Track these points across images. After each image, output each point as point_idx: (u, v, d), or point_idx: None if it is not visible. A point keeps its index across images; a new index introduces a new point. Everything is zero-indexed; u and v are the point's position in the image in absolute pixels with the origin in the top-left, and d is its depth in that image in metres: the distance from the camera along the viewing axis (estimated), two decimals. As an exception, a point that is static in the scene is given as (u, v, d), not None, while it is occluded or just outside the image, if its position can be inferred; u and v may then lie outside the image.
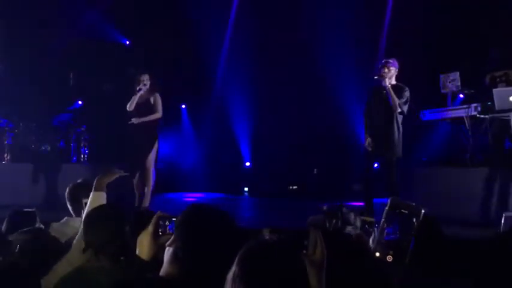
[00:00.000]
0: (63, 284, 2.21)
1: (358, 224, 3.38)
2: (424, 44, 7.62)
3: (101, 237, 2.29)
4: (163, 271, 1.77)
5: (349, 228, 3.53)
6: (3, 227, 2.85)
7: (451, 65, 6.61)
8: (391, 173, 5.60)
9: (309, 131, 8.57)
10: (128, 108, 6.21)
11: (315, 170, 8.31)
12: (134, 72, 6.64)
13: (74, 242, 2.62)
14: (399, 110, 5.61)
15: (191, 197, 7.97)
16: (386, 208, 1.91)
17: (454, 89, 6.29)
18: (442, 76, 6.45)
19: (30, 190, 6.60)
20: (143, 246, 1.91)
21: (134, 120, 6.19)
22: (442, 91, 6.43)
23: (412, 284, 1.94)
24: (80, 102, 8.92)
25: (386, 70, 5.69)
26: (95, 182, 2.94)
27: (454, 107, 6.20)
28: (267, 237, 1.73)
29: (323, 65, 8.04)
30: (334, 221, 4.51)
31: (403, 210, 1.87)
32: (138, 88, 6.21)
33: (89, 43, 8.94)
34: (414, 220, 1.88)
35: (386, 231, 1.87)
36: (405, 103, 5.66)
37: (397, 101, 5.58)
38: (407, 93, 5.66)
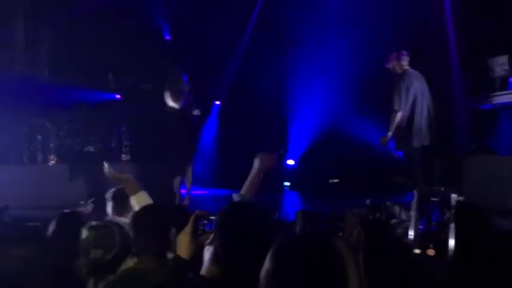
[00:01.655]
0: (110, 287, 2.22)
1: (404, 217, 3.27)
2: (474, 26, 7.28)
3: (146, 236, 2.32)
4: (204, 270, 1.76)
5: (394, 222, 3.44)
6: (51, 229, 2.89)
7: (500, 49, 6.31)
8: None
9: (348, 124, 8.38)
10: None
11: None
12: (176, 71, 6.68)
13: None
14: None
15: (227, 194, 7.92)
16: (415, 199, 1.82)
17: (503, 73, 6.01)
18: (490, 60, 6.17)
19: (74, 191, 6.74)
20: (182, 246, 1.90)
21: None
22: (491, 76, 6.14)
23: (457, 277, 1.82)
24: (118, 96, 9.04)
25: None
26: (125, 188, 2.99)
27: (502, 93, 5.92)
28: (300, 220, 1.69)
29: (363, 54, 7.84)
30: (378, 214, 4.40)
31: (432, 198, 1.78)
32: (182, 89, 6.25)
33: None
34: (446, 207, 1.77)
35: (420, 224, 1.78)
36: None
37: None
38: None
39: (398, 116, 5.74)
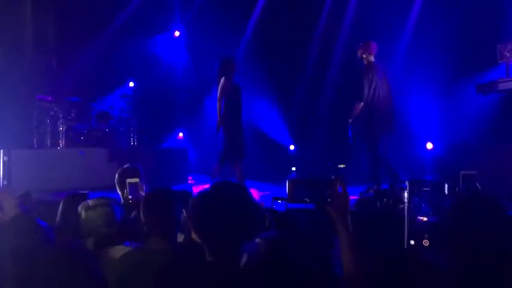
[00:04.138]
0: (118, 266, 2.27)
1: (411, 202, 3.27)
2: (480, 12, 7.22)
3: (157, 217, 2.39)
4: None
5: (401, 207, 3.44)
6: (59, 211, 2.93)
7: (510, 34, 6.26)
8: None
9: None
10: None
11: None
12: None
13: None
14: None
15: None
16: (406, 191, 1.83)
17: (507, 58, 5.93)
18: (499, 46, 6.09)
19: (84, 175, 6.80)
20: None
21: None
22: (500, 61, 6.08)
23: (453, 267, 1.81)
24: (131, 84, 9.06)
25: None
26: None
27: (508, 78, 5.84)
28: (290, 187, 1.73)
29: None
30: (385, 199, 4.41)
31: (424, 189, 1.79)
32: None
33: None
34: (444, 196, 1.78)
35: (416, 214, 1.78)
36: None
37: None
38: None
39: (361, 105, 5.94)
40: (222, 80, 6.26)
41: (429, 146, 7.76)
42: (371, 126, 6.02)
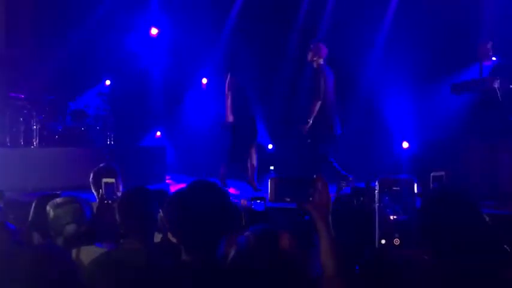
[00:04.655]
0: (93, 267, 2.23)
1: (388, 201, 3.31)
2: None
3: (134, 217, 2.36)
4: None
5: (377, 205, 3.48)
6: (31, 212, 2.88)
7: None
8: None
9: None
10: None
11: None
12: None
13: None
14: None
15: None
16: (377, 190, 1.84)
17: (489, 58, 6.04)
18: (479, 44, 6.19)
19: (58, 174, 6.68)
20: None
21: None
22: (479, 61, 6.18)
23: (421, 266, 1.83)
24: (108, 82, 8.94)
25: None
26: None
27: (482, 78, 5.94)
28: (272, 186, 1.73)
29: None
30: (361, 198, 4.44)
31: (394, 188, 1.81)
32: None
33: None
34: (414, 195, 1.79)
35: (387, 213, 1.80)
36: None
37: None
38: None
39: (318, 105, 6.11)
40: (228, 76, 6.41)
41: (405, 145, 7.88)
42: (324, 127, 6.20)
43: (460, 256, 1.68)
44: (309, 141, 6.25)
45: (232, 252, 1.51)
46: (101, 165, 3.53)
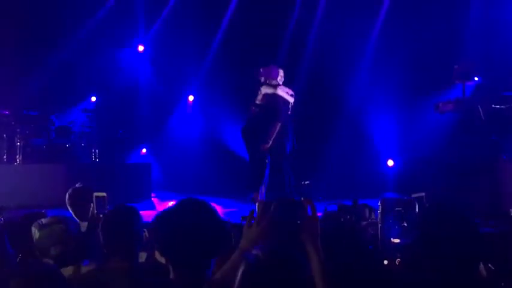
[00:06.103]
0: (77, 287, 2.20)
1: (374, 218, 3.33)
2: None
3: (119, 236, 2.32)
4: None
5: (364, 224, 3.50)
6: (16, 231, 2.82)
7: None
8: None
9: (319, 128, 8.44)
10: None
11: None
12: None
13: None
14: None
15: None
16: (379, 211, 1.85)
17: (468, 78, 6.18)
18: (456, 67, 6.34)
19: (42, 191, 6.59)
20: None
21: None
22: (456, 81, 6.32)
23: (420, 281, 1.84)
24: (93, 99, 8.87)
25: None
26: None
27: (463, 97, 6.08)
28: (260, 209, 1.72)
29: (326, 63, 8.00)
30: (348, 216, 4.46)
31: (396, 209, 1.82)
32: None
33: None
34: (415, 216, 1.80)
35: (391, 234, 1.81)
36: None
37: None
38: None
39: (278, 126, 6.26)
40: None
41: (390, 163, 7.95)
42: (280, 144, 6.35)
43: (460, 270, 1.69)
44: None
45: (242, 267, 1.47)
46: (76, 185, 3.46)
